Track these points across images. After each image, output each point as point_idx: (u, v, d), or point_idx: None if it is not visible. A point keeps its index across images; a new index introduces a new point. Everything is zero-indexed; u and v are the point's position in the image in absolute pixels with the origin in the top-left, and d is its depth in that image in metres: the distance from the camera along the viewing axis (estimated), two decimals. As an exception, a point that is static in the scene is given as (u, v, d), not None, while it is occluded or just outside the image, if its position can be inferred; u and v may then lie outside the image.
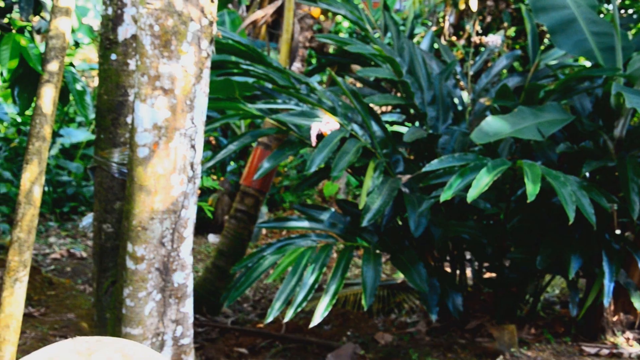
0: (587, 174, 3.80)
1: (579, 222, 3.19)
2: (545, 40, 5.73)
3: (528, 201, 2.92)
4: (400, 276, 5.53)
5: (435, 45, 5.00)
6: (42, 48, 3.01)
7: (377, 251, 3.60)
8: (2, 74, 3.47)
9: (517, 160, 3.23)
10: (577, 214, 3.01)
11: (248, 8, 8.54)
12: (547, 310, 4.48)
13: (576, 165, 3.65)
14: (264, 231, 7.13)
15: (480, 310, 4.14)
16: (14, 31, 2.93)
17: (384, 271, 6.00)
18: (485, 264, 4.24)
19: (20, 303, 2.71)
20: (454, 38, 7.00)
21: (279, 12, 7.35)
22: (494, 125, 3.40)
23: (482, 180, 3.03)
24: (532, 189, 2.95)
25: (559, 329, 4.05)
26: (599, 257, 3.57)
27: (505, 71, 4.84)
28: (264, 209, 7.05)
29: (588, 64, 4.83)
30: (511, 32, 6.70)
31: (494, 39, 4.77)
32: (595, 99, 4.03)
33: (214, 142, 7.31)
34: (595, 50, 3.81)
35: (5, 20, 3.25)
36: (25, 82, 2.92)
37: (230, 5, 8.03)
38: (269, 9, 6.94)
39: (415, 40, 5.89)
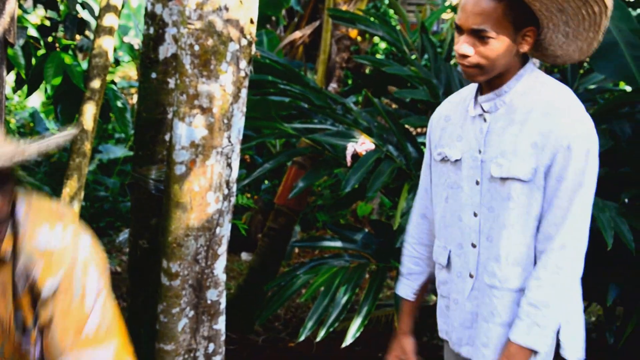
0: (627, 200, 3.73)
1: (617, 249, 3.13)
2: (585, 64, 5.67)
3: (565, 226, 2.87)
4: (432, 298, 5.46)
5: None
6: (84, 65, 3.07)
7: (411, 273, 3.57)
8: (46, 91, 3.55)
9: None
10: (615, 240, 2.96)
11: (286, 28, 8.63)
12: (583, 338, 4.38)
13: (615, 191, 3.59)
14: (296, 250, 7.13)
15: (514, 336, 4.07)
16: (58, 49, 3.00)
17: (416, 293, 5.93)
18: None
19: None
20: (491, 60, 6.95)
21: (316, 33, 7.41)
22: (531, 148, 3.36)
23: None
24: (569, 214, 2.90)
25: (595, 357, 3.95)
26: (638, 285, 3.49)
27: (543, 94, 4.78)
28: (297, 228, 7.06)
29: (628, 88, 4.76)
30: (549, 55, 6.64)
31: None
32: (636, 124, 3.97)
33: (248, 160, 7.36)
34: (636, 74, 3.76)
35: (50, 39, 3.32)
36: (68, 99, 2.98)
37: (268, 25, 8.12)
38: (307, 30, 6.99)
39: (452, 62, 5.88)
